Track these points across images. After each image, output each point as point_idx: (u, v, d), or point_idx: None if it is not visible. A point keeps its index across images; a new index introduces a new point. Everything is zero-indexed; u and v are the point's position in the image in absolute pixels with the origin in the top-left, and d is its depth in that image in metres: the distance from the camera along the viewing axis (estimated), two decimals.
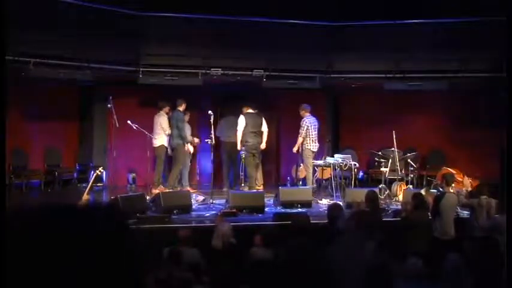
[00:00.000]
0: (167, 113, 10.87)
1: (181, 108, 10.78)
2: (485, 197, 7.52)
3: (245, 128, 10.58)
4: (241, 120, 10.65)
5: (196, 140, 11.29)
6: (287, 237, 5.99)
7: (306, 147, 10.74)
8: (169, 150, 10.82)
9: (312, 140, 10.75)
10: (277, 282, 5.30)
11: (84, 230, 0.92)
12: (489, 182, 10.37)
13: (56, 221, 0.93)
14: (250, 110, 10.82)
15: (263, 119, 10.89)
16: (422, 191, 8.31)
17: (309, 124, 10.74)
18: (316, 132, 10.83)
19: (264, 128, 10.86)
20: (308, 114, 10.90)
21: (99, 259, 0.89)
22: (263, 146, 10.86)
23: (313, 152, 10.81)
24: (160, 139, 10.77)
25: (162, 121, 10.75)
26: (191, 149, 11.01)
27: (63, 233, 0.90)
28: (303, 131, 10.71)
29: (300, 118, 11.15)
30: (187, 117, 11.02)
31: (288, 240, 5.73)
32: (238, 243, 6.82)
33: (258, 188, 10.68)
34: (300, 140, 10.76)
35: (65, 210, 0.95)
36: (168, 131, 10.74)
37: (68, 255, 0.88)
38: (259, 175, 10.95)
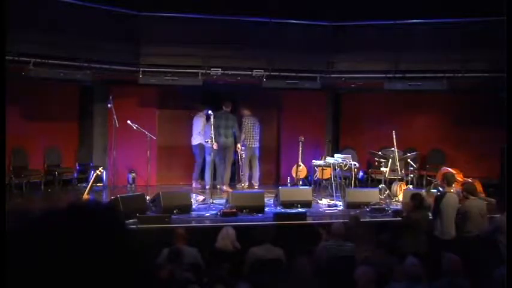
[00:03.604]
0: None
1: (229, 109, 11.38)
2: (474, 198, 7.51)
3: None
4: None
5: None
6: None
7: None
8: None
9: (247, 138, 11.64)
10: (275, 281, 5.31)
11: (84, 230, 0.91)
12: (488, 182, 10.42)
13: (56, 222, 0.93)
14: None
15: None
16: (423, 192, 8.27)
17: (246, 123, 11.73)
18: (254, 131, 11.72)
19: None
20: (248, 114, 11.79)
21: (98, 259, 0.89)
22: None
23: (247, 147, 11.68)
24: (199, 138, 11.36)
25: (202, 122, 11.33)
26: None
27: (63, 233, 0.90)
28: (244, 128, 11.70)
29: (300, 118, 11.17)
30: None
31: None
32: (241, 245, 6.85)
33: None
34: (242, 136, 11.57)
35: (64, 211, 0.95)
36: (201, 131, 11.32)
37: (68, 255, 0.88)
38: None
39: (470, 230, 7.25)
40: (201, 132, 11.36)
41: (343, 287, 4.99)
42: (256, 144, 11.83)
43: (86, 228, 0.92)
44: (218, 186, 11.06)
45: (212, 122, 10.07)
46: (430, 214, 7.57)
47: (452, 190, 7.73)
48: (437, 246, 6.69)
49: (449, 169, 10.16)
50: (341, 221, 7.84)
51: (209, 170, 10.98)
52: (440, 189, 8.45)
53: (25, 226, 0.92)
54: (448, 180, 7.75)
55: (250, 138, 11.69)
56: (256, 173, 11.87)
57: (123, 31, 10.53)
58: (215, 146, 10.50)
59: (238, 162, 11.62)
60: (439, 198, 7.45)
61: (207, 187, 11.04)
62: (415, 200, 7.38)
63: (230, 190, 10.64)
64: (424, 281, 4.82)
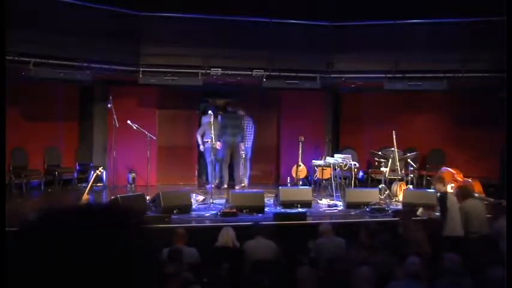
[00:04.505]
0: None
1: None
2: (474, 199, 7.52)
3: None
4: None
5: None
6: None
7: None
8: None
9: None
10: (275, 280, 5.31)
11: (87, 230, 0.91)
12: (488, 182, 10.42)
13: (57, 223, 0.93)
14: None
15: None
16: (419, 212, 8.25)
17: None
18: (248, 131, 11.70)
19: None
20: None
21: (100, 260, 0.89)
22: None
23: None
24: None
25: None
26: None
27: (66, 233, 0.90)
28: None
29: (300, 118, 11.19)
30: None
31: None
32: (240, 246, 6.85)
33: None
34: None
35: (66, 211, 0.95)
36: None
37: (71, 255, 0.88)
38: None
39: (470, 231, 7.25)
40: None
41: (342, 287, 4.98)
42: (249, 145, 11.83)
43: (87, 229, 0.92)
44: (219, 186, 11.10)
45: (212, 122, 10.08)
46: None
47: (451, 190, 7.74)
48: (446, 245, 6.67)
49: (449, 169, 10.17)
50: (328, 220, 8.09)
51: (211, 170, 11.01)
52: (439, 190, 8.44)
53: (26, 227, 0.92)
54: (441, 181, 7.77)
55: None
56: (247, 172, 11.91)
57: (123, 31, 10.52)
58: (218, 146, 10.58)
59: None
60: (442, 199, 7.47)
61: (208, 186, 11.05)
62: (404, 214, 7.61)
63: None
64: (424, 280, 4.82)
